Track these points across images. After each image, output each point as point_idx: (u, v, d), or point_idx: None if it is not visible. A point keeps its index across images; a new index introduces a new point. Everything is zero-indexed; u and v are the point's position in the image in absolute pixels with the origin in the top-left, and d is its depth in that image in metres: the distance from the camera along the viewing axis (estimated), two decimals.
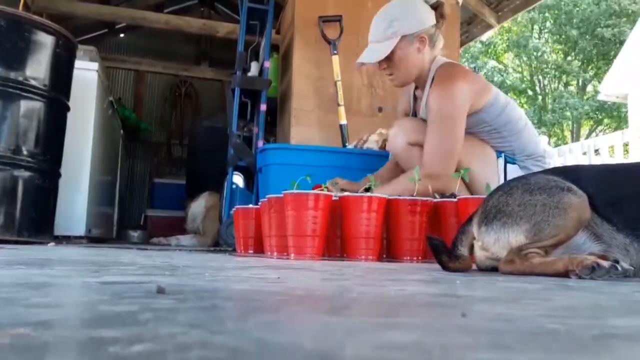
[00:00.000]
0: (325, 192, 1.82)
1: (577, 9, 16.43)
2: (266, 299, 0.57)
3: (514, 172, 2.13)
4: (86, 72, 3.47)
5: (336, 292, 0.67)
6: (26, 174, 2.66)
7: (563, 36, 17.27)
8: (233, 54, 3.66)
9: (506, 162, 2.15)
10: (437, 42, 2.20)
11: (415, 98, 2.35)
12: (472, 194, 2.06)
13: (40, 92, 2.71)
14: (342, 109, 3.13)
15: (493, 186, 1.99)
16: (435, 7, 2.18)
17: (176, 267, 1.08)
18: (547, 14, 17.67)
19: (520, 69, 19.10)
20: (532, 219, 1.15)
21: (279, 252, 1.93)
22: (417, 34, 2.13)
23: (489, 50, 18.34)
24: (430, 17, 2.15)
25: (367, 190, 1.93)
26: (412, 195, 1.86)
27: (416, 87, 2.32)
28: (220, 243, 3.25)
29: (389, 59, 2.17)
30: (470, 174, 2.02)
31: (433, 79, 2.14)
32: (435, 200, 1.90)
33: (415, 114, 2.34)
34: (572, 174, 1.26)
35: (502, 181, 2.11)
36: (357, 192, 1.91)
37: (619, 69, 9.83)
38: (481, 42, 16.50)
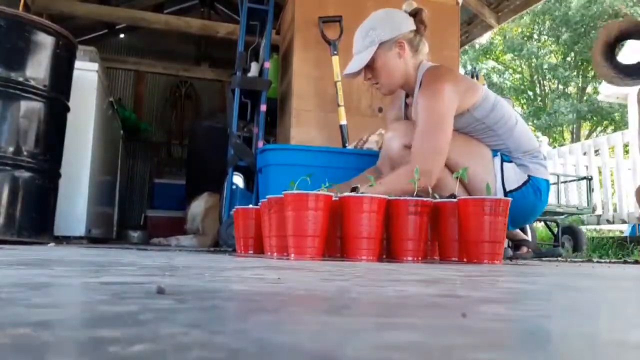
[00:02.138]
0: (325, 192, 1.82)
1: (571, 12, 16.45)
2: (266, 300, 0.57)
3: (510, 170, 2.14)
4: (86, 72, 3.47)
5: (336, 292, 0.67)
6: (26, 174, 2.66)
7: (560, 38, 17.29)
8: (233, 54, 3.66)
9: (502, 160, 2.15)
10: (421, 47, 2.23)
11: (406, 105, 2.36)
12: (469, 194, 2.07)
13: (40, 93, 2.72)
14: (342, 110, 3.13)
15: (491, 185, 2.00)
16: (414, 14, 2.21)
17: (176, 268, 1.08)
18: (542, 17, 17.69)
19: (520, 70, 19.11)
20: None
21: (279, 253, 1.93)
22: (395, 40, 2.16)
23: (488, 51, 18.34)
24: (407, 23, 2.19)
25: (353, 191, 1.92)
26: (407, 194, 1.86)
27: (407, 96, 2.34)
28: (220, 243, 3.25)
29: (371, 68, 2.21)
30: (467, 173, 2.02)
31: (421, 83, 2.15)
32: (436, 200, 1.90)
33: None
34: None
35: (498, 180, 2.12)
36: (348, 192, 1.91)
37: None
38: (480, 44, 16.53)
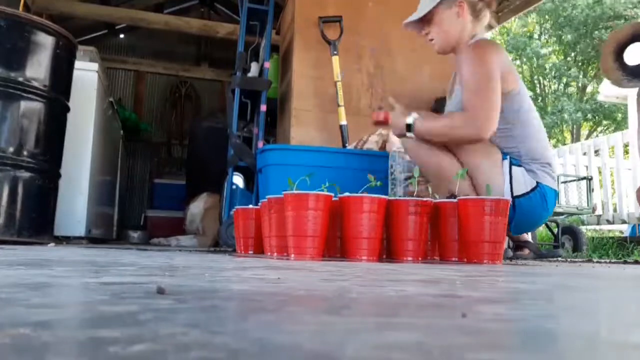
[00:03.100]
0: (325, 192, 1.82)
1: (575, 11, 16.43)
2: (266, 300, 0.57)
3: (519, 174, 2.10)
4: (86, 72, 3.47)
5: (336, 292, 0.67)
6: (26, 174, 2.66)
7: (562, 38, 17.28)
8: (233, 54, 3.66)
9: (511, 164, 2.12)
10: (482, 15, 2.26)
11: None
12: (478, 194, 2.06)
13: (41, 93, 2.72)
14: (342, 110, 3.13)
15: (497, 187, 2.00)
16: None
17: (176, 268, 1.08)
18: (546, 16, 17.68)
19: (520, 70, 19.11)
20: None
21: (279, 253, 1.93)
22: (455, 1, 2.21)
23: None
24: None
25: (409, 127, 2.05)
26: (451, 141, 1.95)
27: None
28: (220, 243, 3.25)
29: (429, 23, 2.26)
30: (476, 173, 2.04)
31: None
32: (436, 200, 1.90)
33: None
34: None
35: (506, 183, 2.09)
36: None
37: None
38: None
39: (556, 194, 2.20)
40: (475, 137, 2.03)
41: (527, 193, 2.10)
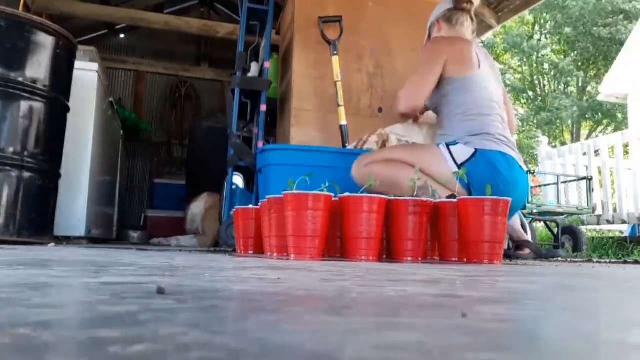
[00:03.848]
0: (325, 192, 1.81)
1: (573, 6, 16.38)
2: (266, 300, 0.57)
3: (457, 150, 2.22)
4: (86, 72, 3.47)
5: (336, 292, 0.67)
6: (26, 174, 2.66)
7: (562, 35, 17.25)
8: (233, 54, 3.66)
9: (447, 145, 2.23)
10: (455, 19, 2.49)
11: None
12: (444, 192, 2.09)
13: (41, 93, 2.71)
14: (342, 110, 3.13)
15: (446, 172, 2.12)
16: None
17: (176, 268, 1.08)
18: (545, 15, 17.66)
19: (520, 69, 19.10)
20: None
21: (279, 253, 1.93)
22: (434, 23, 2.56)
23: (490, 51, 18.29)
24: (445, 4, 2.51)
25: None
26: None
27: None
28: (220, 243, 3.25)
29: None
30: (429, 171, 2.17)
31: None
32: (436, 200, 1.90)
33: None
34: None
35: (449, 159, 2.19)
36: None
37: (619, 70, 9.83)
38: (482, 42, 16.45)
39: (503, 155, 2.23)
40: (399, 106, 2.40)
41: (469, 159, 2.19)
